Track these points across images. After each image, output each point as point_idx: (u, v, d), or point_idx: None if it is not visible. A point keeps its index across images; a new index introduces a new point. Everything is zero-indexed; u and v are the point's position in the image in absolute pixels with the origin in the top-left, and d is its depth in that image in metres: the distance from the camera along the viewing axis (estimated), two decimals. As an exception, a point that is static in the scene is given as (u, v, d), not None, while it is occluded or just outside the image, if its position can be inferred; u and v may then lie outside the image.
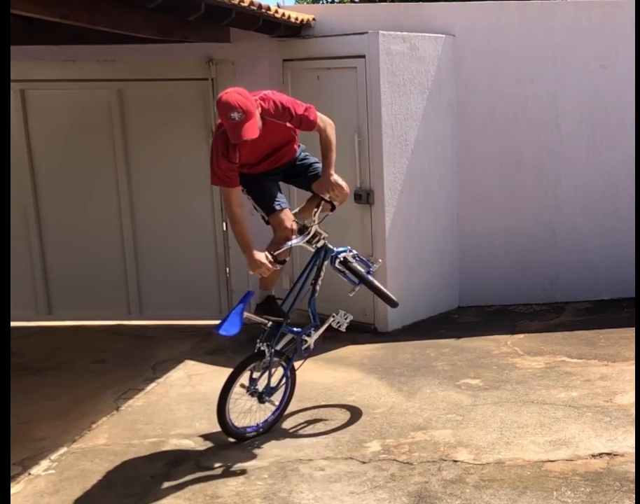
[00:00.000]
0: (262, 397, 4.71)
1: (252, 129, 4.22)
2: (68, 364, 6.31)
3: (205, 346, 6.62)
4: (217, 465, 4.40)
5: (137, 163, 7.18)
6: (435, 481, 4.06)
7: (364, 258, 5.13)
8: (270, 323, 4.71)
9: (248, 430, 4.71)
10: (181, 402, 5.38)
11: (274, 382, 4.77)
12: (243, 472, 4.29)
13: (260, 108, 4.34)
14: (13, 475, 4.28)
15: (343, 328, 4.96)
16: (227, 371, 5.70)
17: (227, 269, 7.19)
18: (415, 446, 4.46)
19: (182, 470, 4.35)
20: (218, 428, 4.86)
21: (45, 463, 4.50)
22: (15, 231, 5.95)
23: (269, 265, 4.42)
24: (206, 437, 4.77)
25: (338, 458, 4.39)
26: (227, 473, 4.29)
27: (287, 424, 4.88)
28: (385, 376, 5.64)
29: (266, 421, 4.79)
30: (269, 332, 4.70)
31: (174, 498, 4.04)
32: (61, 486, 4.23)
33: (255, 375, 4.68)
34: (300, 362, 4.92)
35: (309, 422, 4.90)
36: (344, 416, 4.97)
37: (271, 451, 4.52)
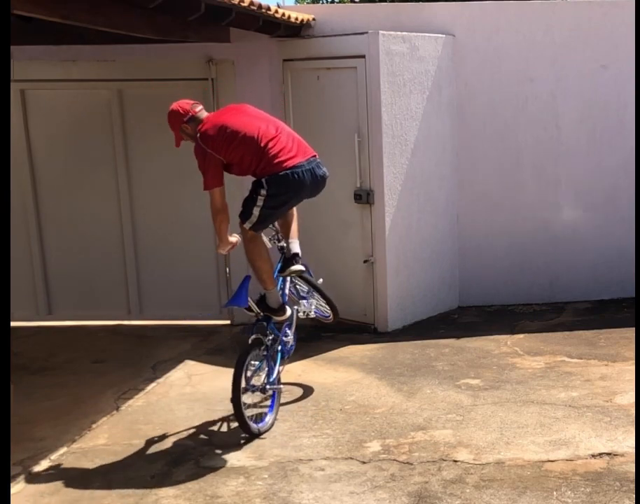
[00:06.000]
0: (264, 388, 4.81)
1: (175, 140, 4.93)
2: (68, 364, 6.32)
3: (205, 346, 6.62)
4: (217, 465, 4.40)
5: (137, 163, 7.18)
6: (435, 481, 4.06)
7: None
8: (262, 316, 4.91)
9: (258, 424, 4.76)
10: (181, 402, 5.38)
11: (272, 373, 4.88)
12: (243, 472, 4.29)
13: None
14: (13, 475, 4.28)
15: (312, 314, 5.21)
16: (227, 371, 5.71)
17: (227, 269, 7.18)
18: (415, 446, 4.46)
19: (182, 470, 4.35)
20: (218, 428, 4.88)
21: (45, 463, 4.50)
22: (15, 231, 5.95)
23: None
24: (206, 437, 4.78)
25: (338, 458, 4.39)
26: (227, 473, 4.28)
27: (287, 424, 4.88)
28: (385, 376, 5.64)
29: (263, 419, 4.82)
30: (260, 326, 4.89)
31: (174, 498, 4.05)
32: (61, 486, 4.23)
33: (249, 373, 4.73)
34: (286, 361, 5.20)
35: (309, 422, 4.90)
36: (344, 416, 4.97)
37: (271, 451, 4.52)
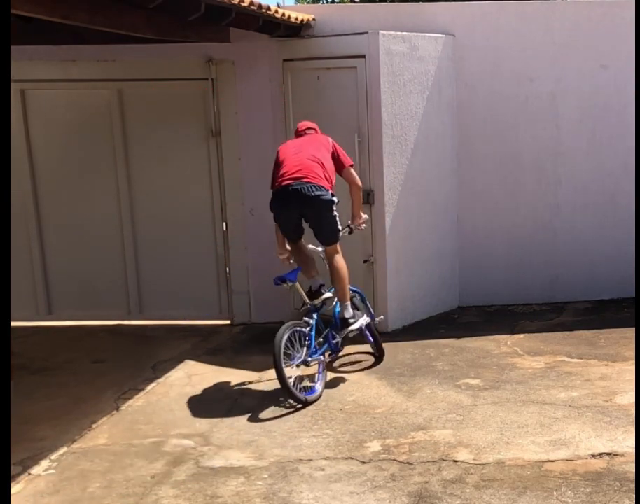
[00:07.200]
0: (307, 362, 5.27)
1: None
2: (68, 364, 6.31)
3: (205, 346, 6.62)
4: (217, 465, 4.40)
5: (137, 163, 7.18)
6: (435, 481, 4.06)
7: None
8: (309, 304, 5.49)
9: (306, 394, 5.19)
10: (180, 402, 5.38)
11: (315, 346, 5.36)
12: (243, 472, 4.29)
13: None
14: (13, 475, 4.28)
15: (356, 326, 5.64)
16: (228, 371, 5.73)
17: (227, 270, 7.18)
18: (415, 446, 4.47)
19: (182, 470, 4.35)
20: (217, 428, 4.88)
21: (45, 463, 4.50)
22: (15, 231, 5.95)
23: None
24: (206, 437, 4.77)
25: (338, 458, 4.39)
26: (227, 473, 4.29)
27: (287, 424, 4.88)
28: (385, 376, 5.64)
29: (313, 389, 5.28)
30: (307, 311, 5.48)
31: (173, 498, 4.04)
32: (61, 486, 4.23)
33: (293, 351, 5.19)
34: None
35: (309, 422, 4.90)
36: (344, 416, 4.97)
37: (271, 451, 4.52)
